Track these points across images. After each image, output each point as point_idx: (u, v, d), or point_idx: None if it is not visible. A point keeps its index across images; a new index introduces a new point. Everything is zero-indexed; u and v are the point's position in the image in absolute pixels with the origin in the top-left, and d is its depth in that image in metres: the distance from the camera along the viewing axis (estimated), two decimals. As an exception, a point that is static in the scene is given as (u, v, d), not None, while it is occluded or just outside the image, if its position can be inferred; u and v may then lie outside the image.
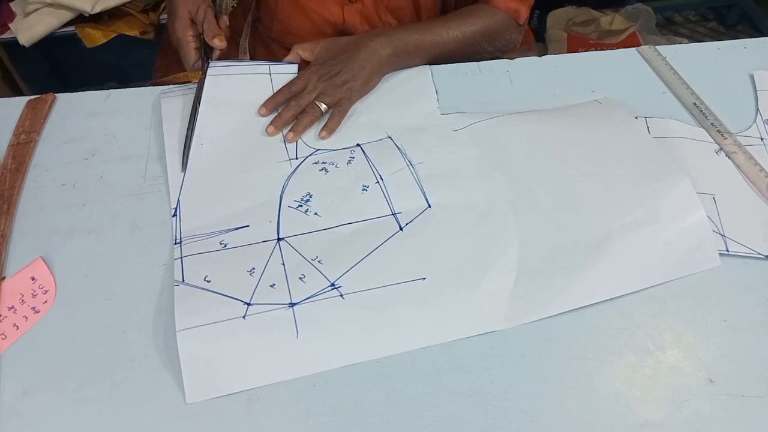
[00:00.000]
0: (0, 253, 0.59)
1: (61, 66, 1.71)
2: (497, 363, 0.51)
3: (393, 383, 0.50)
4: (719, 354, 0.52)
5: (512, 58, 0.78)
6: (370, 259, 0.57)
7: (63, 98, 0.75)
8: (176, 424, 0.48)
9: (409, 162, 0.65)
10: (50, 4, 1.45)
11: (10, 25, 1.48)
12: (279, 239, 0.59)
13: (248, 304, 0.54)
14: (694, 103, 0.71)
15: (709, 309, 0.55)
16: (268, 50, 0.90)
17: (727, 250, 0.58)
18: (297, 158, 0.66)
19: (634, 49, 0.79)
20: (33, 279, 0.57)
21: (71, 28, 1.48)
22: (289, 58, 0.74)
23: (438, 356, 0.52)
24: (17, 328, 0.54)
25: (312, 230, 0.60)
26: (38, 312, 0.55)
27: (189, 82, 0.79)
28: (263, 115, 0.69)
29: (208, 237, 0.59)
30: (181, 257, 0.58)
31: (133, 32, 1.51)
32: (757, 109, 0.71)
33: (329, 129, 0.68)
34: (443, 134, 0.68)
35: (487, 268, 0.56)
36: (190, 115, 0.68)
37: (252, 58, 0.90)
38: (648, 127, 0.68)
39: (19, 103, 0.74)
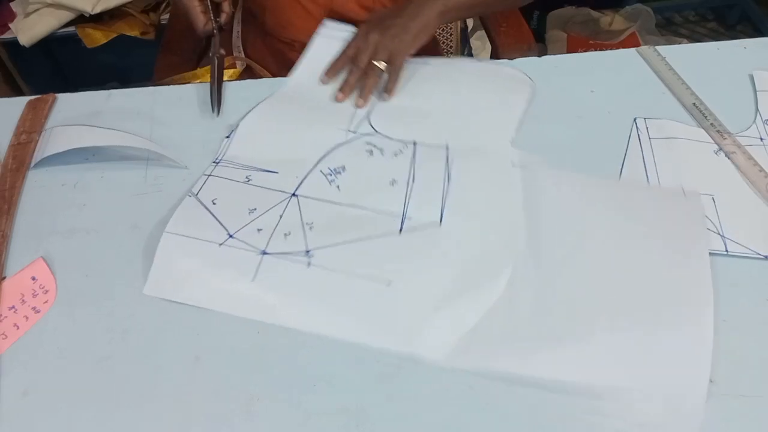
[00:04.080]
0: (0, 253, 0.59)
1: (61, 66, 1.71)
2: (497, 363, 0.51)
3: (393, 383, 0.50)
4: (719, 354, 0.52)
5: (512, 58, 0.78)
6: (354, 245, 0.58)
7: (63, 98, 0.75)
8: (176, 424, 0.48)
9: (448, 176, 0.63)
10: (51, 5, 1.45)
11: (10, 25, 1.48)
12: (293, 194, 0.62)
13: (230, 236, 0.58)
14: (694, 104, 0.71)
15: (709, 309, 0.54)
16: (263, 45, 0.89)
17: (727, 251, 0.58)
18: (354, 132, 0.69)
19: (634, 49, 0.79)
20: (33, 279, 0.57)
21: (72, 29, 1.49)
22: None
23: (438, 356, 0.52)
24: (18, 328, 0.54)
25: (324, 199, 0.62)
26: (39, 312, 0.55)
27: (190, 82, 0.79)
28: (326, 83, 0.74)
29: (241, 168, 0.65)
30: (209, 175, 0.64)
31: (134, 32, 1.51)
32: (757, 109, 0.71)
33: (389, 90, 0.72)
34: (498, 164, 0.65)
35: (455, 300, 0.54)
36: (211, 65, 0.74)
37: (247, 55, 0.90)
38: (647, 128, 0.68)
39: (20, 103, 0.74)
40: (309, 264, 0.56)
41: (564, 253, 0.57)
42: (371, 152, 0.66)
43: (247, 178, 0.64)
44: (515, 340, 0.52)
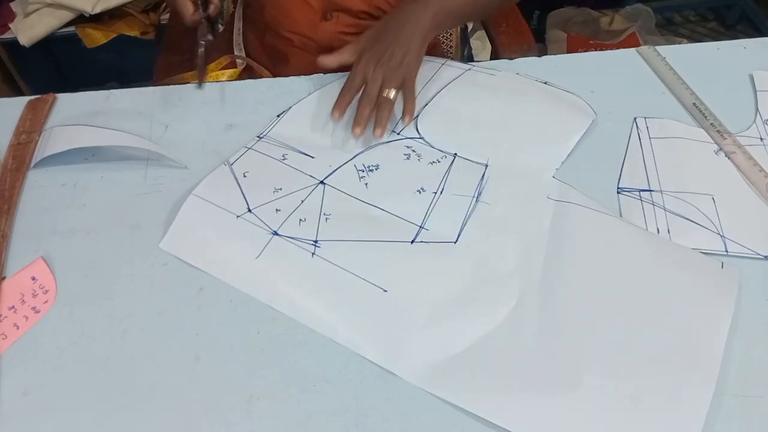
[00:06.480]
0: (0, 253, 0.59)
1: (61, 66, 1.71)
2: (497, 363, 0.51)
3: (393, 383, 0.50)
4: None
5: (512, 59, 0.78)
6: (361, 245, 0.58)
7: (63, 98, 0.75)
8: (176, 424, 0.49)
9: (478, 195, 0.62)
10: (51, 5, 1.45)
11: (10, 25, 1.49)
12: (321, 182, 0.63)
13: (249, 210, 0.60)
14: (694, 104, 0.71)
15: (709, 309, 0.54)
16: (262, 40, 0.89)
17: (727, 251, 0.58)
18: (398, 134, 0.69)
19: (634, 49, 0.79)
20: (33, 279, 0.57)
21: (72, 28, 1.49)
22: (332, 65, 0.71)
23: (438, 356, 0.52)
24: (17, 328, 0.54)
25: (349, 193, 0.62)
26: (38, 312, 0.55)
27: (189, 82, 0.79)
28: (337, 120, 0.68)
29: (280, 146, 0.66)
30: (249, 148, 0.66)
31: (134, 32, 1.51)
32: (757, 109, 0.71)
33: (410, 113, 0.68)
34: (534, 194, 0.62)
35: (445, 324, 0.53)
36: (197, 47, 0.75)
37: (247, 54, 0.90)
38: (647, 128, 0.68)
39: (20, 103, 0.74)
40: (313, 254, 0.57)
41: (575, 298, 0.54)
42: (409, 156, 0.66)
43: (283, 156, 0.65)
44: (498, 379, 0.49)
